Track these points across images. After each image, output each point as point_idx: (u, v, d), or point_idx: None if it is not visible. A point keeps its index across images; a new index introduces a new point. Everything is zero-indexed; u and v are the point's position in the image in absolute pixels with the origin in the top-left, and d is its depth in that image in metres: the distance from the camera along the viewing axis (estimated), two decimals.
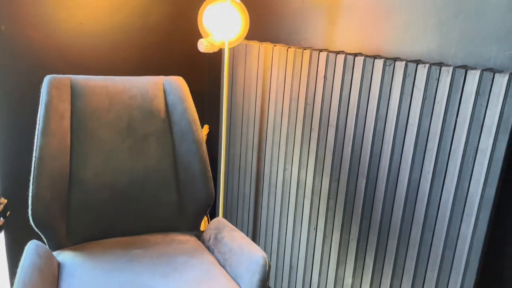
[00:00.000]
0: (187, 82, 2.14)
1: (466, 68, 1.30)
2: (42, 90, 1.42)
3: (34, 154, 1.37)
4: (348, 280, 1.67)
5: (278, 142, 1.82)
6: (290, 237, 1.85)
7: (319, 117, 1.65)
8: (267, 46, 1.77)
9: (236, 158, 2.03)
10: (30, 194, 1.34)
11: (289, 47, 1.70)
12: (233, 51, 1.92)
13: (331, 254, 1.72)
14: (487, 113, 1.25)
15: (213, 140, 2.43)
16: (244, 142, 1.97)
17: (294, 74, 1.70)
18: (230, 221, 2.12)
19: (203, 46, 1.76)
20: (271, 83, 1.79)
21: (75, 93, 1.47)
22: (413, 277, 1.48)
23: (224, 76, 1.74)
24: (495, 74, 1.22)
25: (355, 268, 1.64)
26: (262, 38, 2.06)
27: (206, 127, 2.39)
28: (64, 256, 1.35)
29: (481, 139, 1.28)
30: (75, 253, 1.36)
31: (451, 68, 1.30)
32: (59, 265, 1.31)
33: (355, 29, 1.72)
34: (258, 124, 1.88)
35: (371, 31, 1.68)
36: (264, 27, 2.05)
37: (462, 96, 1.29)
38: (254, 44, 1.81)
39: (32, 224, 1.36)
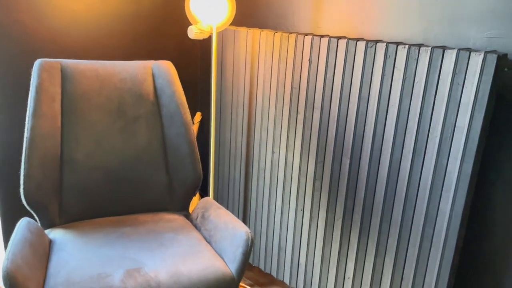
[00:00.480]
0: (179, 70, 2.17)
1: (444, 48, 1.34)
2: (32, 73, 1.46)
3: (25, 135, 1.41)
4: (334, 259, 1.71)
5: (266, 126, 1.86)
6: (278, 218, 1.90)
7: (304, 100, 1.69)
8: (254, 31, 1.81)
9: (226, 143, 2.07)
10: (22, 173, 1.39)
11: (276, 32, 1.73)
12: (222, 37, 1.95)
13: (317, 234, 1.76)
14: (463, 91, 1.29)
15: (206, 127, 2.47)
16: (234, 127, 2.01)
17: (280, 59, 1.74)
18: (221, 204, 2.17)
19: (193, 32, 1.80)
20: (259, 68, 1.83)
21: (65, 76, 1.51)
22: (395, 253, 1.52)
23: (213, 61, 1.78)
24: (471, 53, 1.26)
25: (341, 247, 1.69)
26: (250, 25, 2.10)
27: (198, 114, 2.43)
28: (55, 234, 1.40)
29: (458, 117, 1.32)
30: (66, 231, 1.41)
31: (430, 48, 1.34)
32: (50, 242, 1.36)
33: (340, 14, 1.76)
34: (247, 109, 1.92)
35: (356, 15, 1.71)
36: (253, 13, 2.08)
37: (440, 76, 1.33)
38: (242, 30, 1.85)
39: (24, 202, 1.40)
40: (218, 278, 1.22)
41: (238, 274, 1.24)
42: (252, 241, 1.27)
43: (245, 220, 2.06)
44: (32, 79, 1.45)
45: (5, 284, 1.04)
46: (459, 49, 1.28)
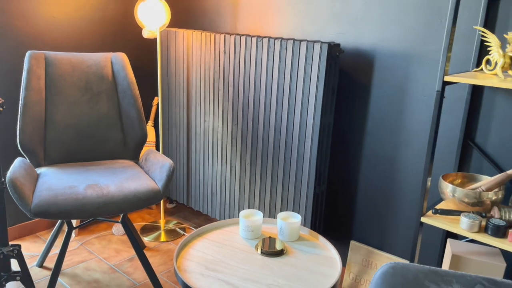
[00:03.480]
0: (140, 63, 2.82)
1: (300, 40, 2.01)
2: (25, 60, 2.09)
3: (20, 103, 2.04)
4: (247, 194, 2.37)
5: (199, 101, 2.51)
6: (210, 170, 2.55)
7: (222, 80, 2.35)
8: (188, 32, 2.47)
9: (172, 116, 2.72)
10: (18, 128, 2.02)
11: (203, 32, 2.40)
12: (167, 36, 2.61)
13: (236, 178, 2.42)
14: (312, 69, 1.96)
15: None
16: (177, 104, 2.66)
17: (206, 51, 2.40)
18: None
19: (146, 33, 2.46)
20: (192, 58, 2.49)
21: (48, 62, 2.15)
22: (282, 182, 2.19)
23: (158, 55, 2.43)
24: (314, 43, 1.93)
25: (250, 185, 2.34)
26: (189, 27, 2.76)
27: (156, 98, 3.07)
28: (41, 170, 2.03)
29: (310, 86, 1.99)
30: (49, 168, 2.04)
31: (292, 41, 2.01)
32: (37, 174, 1.99)
33: (249, 18, 2.43)
34: (186, 89, 2.58)
35: (260, 19, 2.38)
36: (193, 19, 2.75)
37: (299, 59, 2.00)
38: (180, 31, 2.51)
39: (20, 149, 2.04)
40: (149, 190, 1.87)
41: (163, 188, 1.89)
42: (174, 168, 1.92)
43: (188, 174, 2.71)
44: (24, 64, 2.09)
45: (9, 186, 1.67)
46: (308, 41, 1.96)
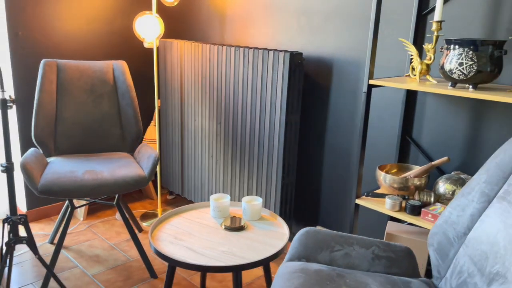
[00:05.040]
0: (143, 69, 3.19)
1: (269, 49, 2.33)
2: (40, 67, 2.49)
3: (35, 102, 2.44)
4: (229, 183, 2.69)
5: (190, 103, 2.86)
6: (200, 165, 2.89)
7: (208, 85, 2.69)
8: (181, 42, 2.82)
9: (168, 117, 3.08)
10: (32, 124, 2.41)
11: (193, 42, 2.75)
12: (164, 46, 2.97)
13: (220, 171, 2.74)
14: (278, 74, 2.28)
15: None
16: (172, 105, 3.02)
17: (195, 59, 2.75)
18: (166, 157, 3.17)
19: (146, 44, 2.83)
20: (185, 65, 2.84)
21: (59, 69, 2.54)
22: (256, 174, 2.50)
23: (155, 63, 2.79)
24: (279, 52, 2.25)
25: (231, 176, 2.67)
26: (185, 37, 3.12)
27: (158, 101, 3.44)
28: (51, 159, 2.42)
29: (277, 89, 2.30)
30: (57, 158, 2.43)
31: (262, 50, 2.33)
32: (47, 162, 2.38)
33: (234, 30, 2.77)
34: (179, 93, 2.93)
35: (243, 30, 2.72)
36: (188, 30, 3.11)
37: (268, 65, 2.32)
38: (174, 41, 2.87)
39: (34, 141, 2.43)
40: (136, 176, 2.22)
41: (148, 175, 2.24)
42: (158, 158, 2.27)
43: (182, 167, 3.06)
44: (39, 70, 2.49)
45: (21, 169, 2.05)
46: (274, 50, 2.28)
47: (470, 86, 1.54)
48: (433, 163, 1.85)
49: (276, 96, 2.31)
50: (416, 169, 1.91)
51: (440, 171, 1.95)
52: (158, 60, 3.13)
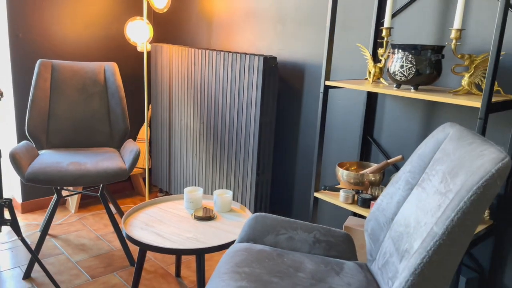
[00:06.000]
0: (136, 72, 3.37)
1: (248, 54, 2.48)
2: (36, 66, 2.69)
3: (29, 98, 2.63)
4: (211, 178, 2.84)
5: (177, 104, 3.03)
6: (185, 162, 3.04)
7: (193, 86, 2.86)
8: (170, 46, 3.00)
9: (158, 117, 3.24)
10: (26, 118, 2.60)
11: (180, 46, 2.92)
12: (155, 50, 3.15)
13: (203, 168, 2.89)
14: (254, 76, 2.43)
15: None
16: (162, 106, 3.19)
17: (182, 63, 2.91)
18: (156, 154, 3.33)
19: (139, 48, 3.02)
20: (173, 68, 3.01)
21: (54, 68, 2.73)
22: (234, 169, 2.64)
23: (145, 66, 2.97)
24: (254, 56, 2.40)
25: (212, 172, 2.81)
26: (175, 42, 3.30)
27: (150, 106, 3.61)
28: (42, 152, 2.59)
29: (252, 91, 2.45)
30: (48, 151, 2.60)
31: (239, 54, 2.48)
32: (38, 154, 2.55)
33: (220, 35, 2.93)
34: (168, 94, 3.10)
35: (228, 36, 2.88)
36: (178, 35, 3.29)
37: (245, 68, 2.47)
38: (164, 45, 3.05)
39: (27, 134, 2.61)
40: (118, 168, 2.38)
41: (129, 167, 2.40)
42: (140, 152, 2.43)
43: (170, 164, 3.22)
44: (35, 69, 2.68)
45: (9, 158, 2.22)
46: (250, 54, 2.43)
47: (412, 87, 1.66)
48: (388, 161, 1.97)
49: (252, 98, 2.46)
50: (373, 166, 2.03)
51: (396, 168, 2.07)
52: (149, 63, 3.31)
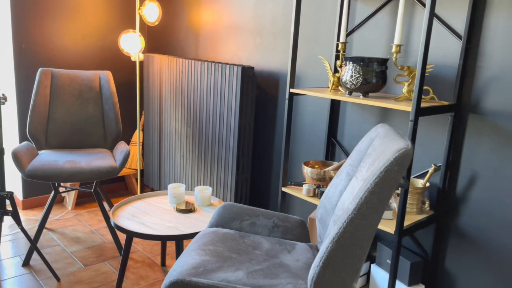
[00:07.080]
0: (130, 80, 3.64)
1: (229, 64, 2.74)
2: (37, 74, 2.95)
3: (31, 104, 2.89)
4: (196, 177, 3.09)
5: (167, 109, 3.29)
6: (173, 163, 3.30)
7: (181, 93, 3.12)
8: (160, 56, 3.27)
9: (150, 121, 3.50)
10: (28, 121, 2.86)
11: (169, 56, 3.19)
12: (148, 59, 3.42)
13: (189, 169, 3.14)
14: (233, 84, 2.68)
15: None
16: (153, 111, 3.45)
17: (171, 71, 3.18)
18: (147, 156, 3.58)
19: (132, 57, 3.29)
20: (163, 76, 3.28)
21: (53, 76, 3.00)
22: (217, 169, 2.89)
23: (137, 74, 3.24)
24: (234, 66, 2.66)
25: (198, 174, 3.06)
26: (167, 52, 3.57)
27: (143, 112, 3.87)
28: (41, 152, 2.85)
29: (232, 97, 2.70)
30: (47, 151, 2.86)
31: (221, 64, 2.75)
32: (38, 154, 2.81)
33: (206, 46, 3.20)
34: (158, 100, 3.36)
35: (213, 47, 3.15)
36: (169, 46, 3.56)
37: (226, 77, 2.73)
38: (156, 55, 3.32)
39: (28, 136, 2.87)
40: (109, 166, 2.63)
41: (120, 166, 2.65)
42: (129, 153, 2.68)
43: (160, 166, 3.47)
44: (36, 77, 2.95)
45: (11, 156, 2.48)
46: (230, 64, 2.69)
47: (361, 94, 1.92)
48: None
49: (231, 103, 2.72)
50: (334, 164, 2.28)
51: None
52: (142, 72, 3.57)
